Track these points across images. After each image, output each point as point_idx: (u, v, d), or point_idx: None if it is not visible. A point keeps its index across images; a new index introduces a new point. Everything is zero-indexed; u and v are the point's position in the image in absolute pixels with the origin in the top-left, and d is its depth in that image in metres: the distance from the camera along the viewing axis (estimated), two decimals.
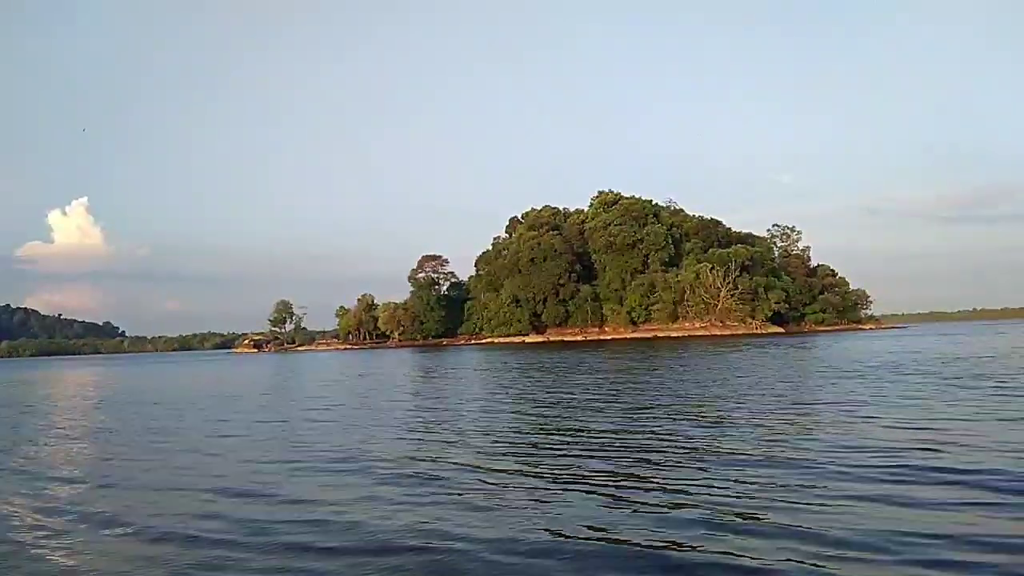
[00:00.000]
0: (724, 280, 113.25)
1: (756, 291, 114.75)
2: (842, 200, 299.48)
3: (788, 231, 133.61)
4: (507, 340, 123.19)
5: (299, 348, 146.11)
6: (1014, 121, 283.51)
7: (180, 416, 20.08)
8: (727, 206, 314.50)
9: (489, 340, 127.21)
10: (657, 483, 8.86)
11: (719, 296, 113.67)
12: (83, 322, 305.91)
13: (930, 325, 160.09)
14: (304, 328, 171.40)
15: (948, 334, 73.02)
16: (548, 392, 22.43)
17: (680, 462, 10.16)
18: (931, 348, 41.76)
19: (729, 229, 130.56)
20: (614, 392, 21.30)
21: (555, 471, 9.74)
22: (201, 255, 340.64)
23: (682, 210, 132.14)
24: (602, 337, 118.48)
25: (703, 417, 14.80)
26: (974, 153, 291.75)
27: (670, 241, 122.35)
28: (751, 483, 8.60)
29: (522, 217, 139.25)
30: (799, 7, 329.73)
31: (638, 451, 11.16)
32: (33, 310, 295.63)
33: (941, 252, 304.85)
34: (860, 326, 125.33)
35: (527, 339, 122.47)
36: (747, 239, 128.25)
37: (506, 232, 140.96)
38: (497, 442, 12.59)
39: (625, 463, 10.21)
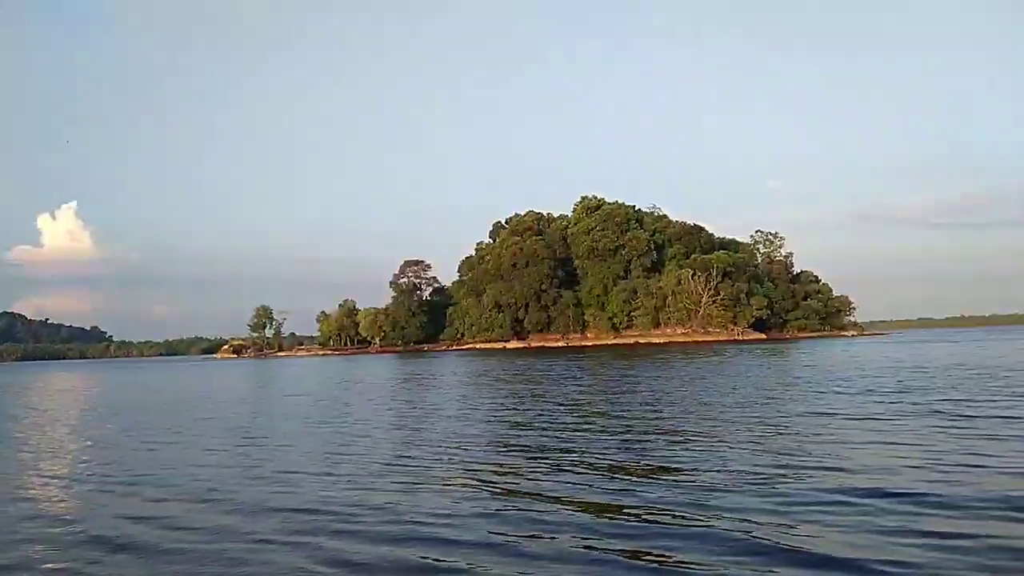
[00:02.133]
0: (706, 286, 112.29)
1: (738, 297, 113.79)
2: (833, 206, 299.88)
3: (771, 237, 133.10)
4: (488, 346, 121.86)
5: (279, 354, 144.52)
6: (1006, 128, 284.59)
7: (40, 430, 18.87)
8: (718, 210, 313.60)
9: (471, 346, 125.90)
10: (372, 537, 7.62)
11: (701, 302, 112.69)
12: (70, 327, 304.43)
13: (914, 332, 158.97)
14: (292, 333, 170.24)
15: (925, 341, 72.10)
16: (449, 409, 21.24)
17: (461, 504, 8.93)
18: (889, 356, 40.70)
19: (712, 235, 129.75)
20: (514, 407, 20.08)
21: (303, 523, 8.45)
22: (191, 259, 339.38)
23: (665, 216, 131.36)
24: (584, 343, 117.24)
25: (570, 440, 13.59)
26: (966, 159, 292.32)
27: (652, 247, 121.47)
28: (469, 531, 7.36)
29: (506, 222, 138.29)
30: (790, 11, 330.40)
31: (446, 485, 9.93)
32: (20, 314, 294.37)
33: (930, 258, 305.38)
34: (843, 332, 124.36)
35: (508, 345, 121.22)
36: (730, 245, 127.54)
37: (489, 237, 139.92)
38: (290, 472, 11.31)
39: (413, 507, 8.97)
